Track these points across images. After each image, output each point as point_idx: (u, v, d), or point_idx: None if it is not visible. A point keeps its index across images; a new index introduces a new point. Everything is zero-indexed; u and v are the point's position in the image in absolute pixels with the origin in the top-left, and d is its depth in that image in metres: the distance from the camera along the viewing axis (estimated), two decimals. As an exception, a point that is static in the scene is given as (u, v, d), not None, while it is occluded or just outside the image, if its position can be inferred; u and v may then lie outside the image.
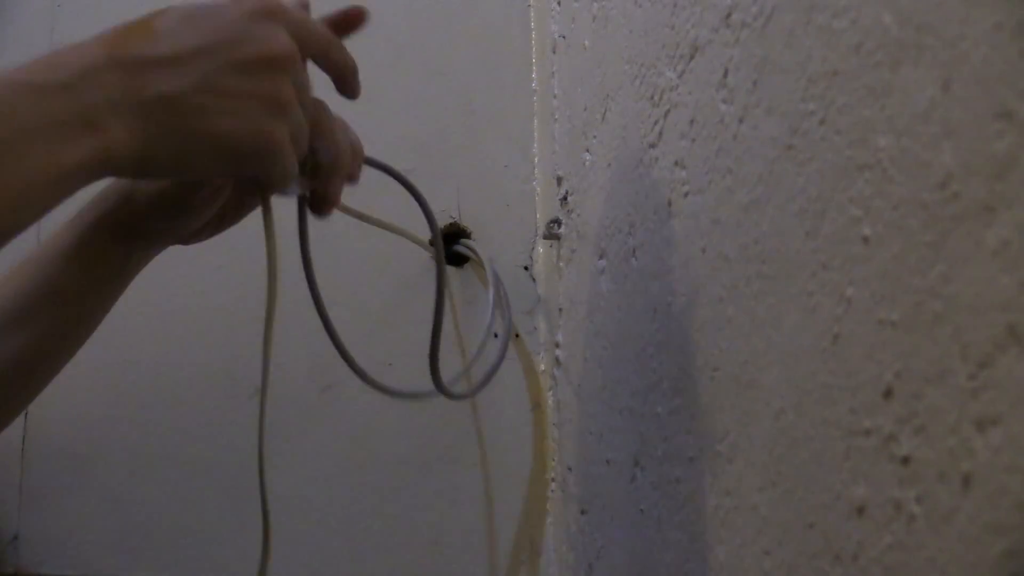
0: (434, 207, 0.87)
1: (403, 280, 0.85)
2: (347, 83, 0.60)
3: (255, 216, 0.85)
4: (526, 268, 0.88)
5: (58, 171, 0.49)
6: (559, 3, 0.86)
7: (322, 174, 0.59)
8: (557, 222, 0.84)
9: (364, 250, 0.85)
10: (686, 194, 0.57)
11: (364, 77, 0.93)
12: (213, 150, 0.54)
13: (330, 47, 0.59)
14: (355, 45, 0.87)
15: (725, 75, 0.52)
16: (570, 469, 0.79)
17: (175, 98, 0.52)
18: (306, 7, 0.59)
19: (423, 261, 0.85)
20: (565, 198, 0.83)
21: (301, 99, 0.56)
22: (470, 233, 0.87)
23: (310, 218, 0.59)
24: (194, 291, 0.82)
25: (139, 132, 0.51)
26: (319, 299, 0.59)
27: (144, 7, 0.86)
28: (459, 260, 0.88)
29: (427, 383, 0.63)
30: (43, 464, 0.77)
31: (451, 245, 0.87)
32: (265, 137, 0.55)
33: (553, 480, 0.83)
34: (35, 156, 0.49)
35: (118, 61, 0.51)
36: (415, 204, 0.87)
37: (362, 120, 0.89)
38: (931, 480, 0.34)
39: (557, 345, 0.83)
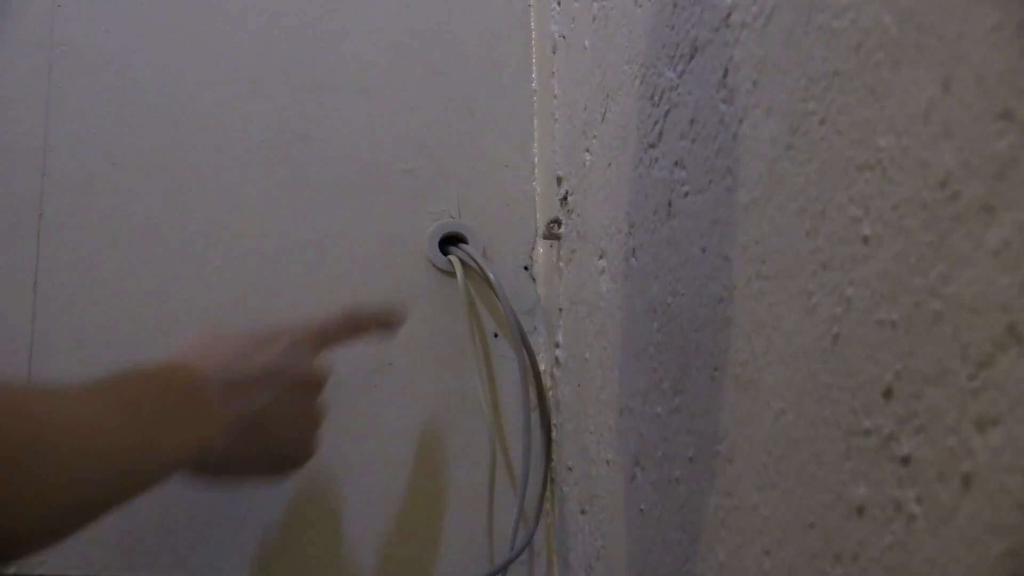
0: (434, 207, 0.87)
1: (402, 283, 0.85)
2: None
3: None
4: (526, 268, 0.88)
5: (178, 454, 0.59)
6: (559, 3, 0.86)
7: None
8: (557, 222, 0.84)
9: (363, 252, 0.85)
10: (686, 194, 0.57)
11: (365, 77, 0.94)
12: (271, 455, 0.68)
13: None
14: (356, 45, 0.87)
15: (725, 75, 0.52)
16: (570, 469, 0.79)
17: (254, 412, 0.65)
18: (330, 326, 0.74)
19: (420, 264, 0.85)
20: (565, 198, 0.83)
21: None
22: (466, 238, 0.87)
23: None
24: (194, 293, 0.82)
25: (225, 436, 0.63)
26: None
27: (144, 10, 0.87)
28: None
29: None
30: (43, 464, 0.77)
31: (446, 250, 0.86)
32: (311, 449, 0.71)
33: (553, 480, 0.83)
34: (170, 439, 0.59)
35: (218, 377, 0.63)
36: (414, 205, 0.87)
37: (362, 120, 0.89)
38: (931, 480, 0.34)
39: (557, 345, 0.83)
